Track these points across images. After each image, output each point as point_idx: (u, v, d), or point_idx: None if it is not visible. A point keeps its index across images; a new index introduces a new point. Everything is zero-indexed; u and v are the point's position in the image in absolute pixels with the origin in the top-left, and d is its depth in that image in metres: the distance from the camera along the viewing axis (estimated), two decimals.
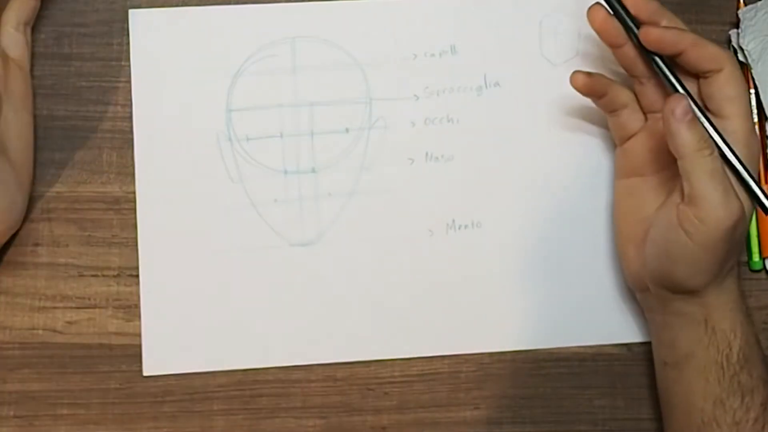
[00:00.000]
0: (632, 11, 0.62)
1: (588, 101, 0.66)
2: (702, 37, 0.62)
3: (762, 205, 0.61)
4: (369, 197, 0.69)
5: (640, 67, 0.64)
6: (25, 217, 0.67)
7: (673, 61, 0.62)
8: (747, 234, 0.70)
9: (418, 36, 0.70)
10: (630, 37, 0.63)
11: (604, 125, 0.69)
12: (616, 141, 0.67)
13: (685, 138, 0.59)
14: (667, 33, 0.61)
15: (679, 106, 0.59)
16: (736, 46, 0.70)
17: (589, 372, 0.70)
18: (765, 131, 0.71)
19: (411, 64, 0.70)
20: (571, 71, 0.65)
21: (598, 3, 0.63)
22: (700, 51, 0.61)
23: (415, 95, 0.70)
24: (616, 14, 0.63)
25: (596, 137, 0.70)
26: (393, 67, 0.70)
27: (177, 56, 0.68)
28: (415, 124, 0.70)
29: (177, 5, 0.69)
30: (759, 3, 0.71)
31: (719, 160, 0.59)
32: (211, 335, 0.68)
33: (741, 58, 0.70)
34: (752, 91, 0.70)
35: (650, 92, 0.64)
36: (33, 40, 0.68)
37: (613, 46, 0.63)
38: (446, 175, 0.70)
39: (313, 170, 0.69)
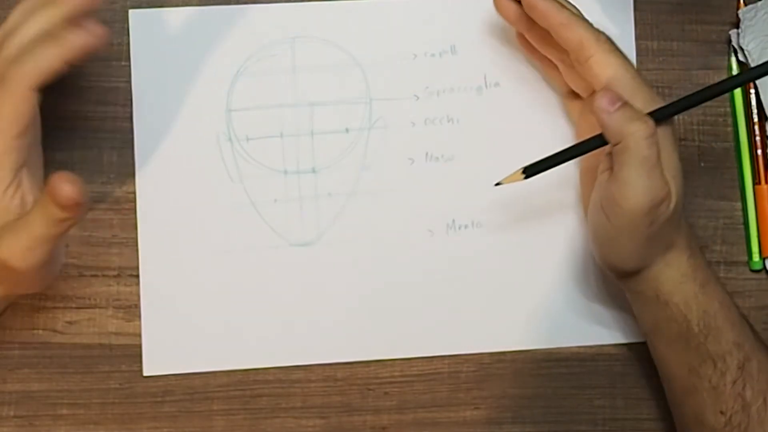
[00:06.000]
0: None
1: None
2: (579, 20, 0.61)
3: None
4: (369, 197, 0.69)
5: (556, 49, 0.64)
6: None
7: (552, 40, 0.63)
8: (746, 233, 0.71)
9: (418, 36, 0.70)
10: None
11: None
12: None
13: (614, 128, 0.59)
14: (539, 3, 0.61)
15: (604, 98, 0.59)
16: (736, 46, 0.70)
17: (589, 372, 0.70)
18: (765, 131, 0.71)
19: (411, 64, 0.70)
20: None
21: None
22: (567, 33, 0.61)
23: (415, 95, 0.70)
24: None
25: None
26: (393, 67, 0.70)
27: (177, 56, 0.68)
28: (415, 124, 0.70)
29: (177, 5, 0.69)
30: (759, 3, 0.71)
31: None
32: (211, 335, 0.68)
33: (741, 58, 0.70)
34: (752, 91, 0.70)
35: (577, 77, 0.65)
36: None
37: (522, 30, 0.65)
38: (446, 175, 0.70)
39: (313, 170, 0.69)
